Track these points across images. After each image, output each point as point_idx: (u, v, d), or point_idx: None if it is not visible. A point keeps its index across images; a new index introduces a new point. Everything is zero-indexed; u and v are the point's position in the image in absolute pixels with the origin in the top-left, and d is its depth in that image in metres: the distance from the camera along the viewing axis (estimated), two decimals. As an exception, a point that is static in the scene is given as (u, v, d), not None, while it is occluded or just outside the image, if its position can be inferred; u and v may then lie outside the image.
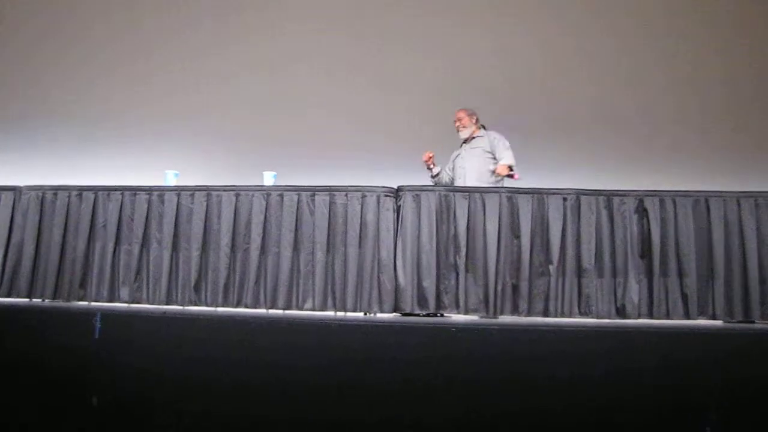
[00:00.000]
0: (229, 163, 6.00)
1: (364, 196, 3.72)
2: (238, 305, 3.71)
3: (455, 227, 3.66)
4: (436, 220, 3.68)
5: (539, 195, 3.68)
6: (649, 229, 3.60)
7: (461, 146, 4.40)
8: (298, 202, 3.76)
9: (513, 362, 2.87)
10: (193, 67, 6.24)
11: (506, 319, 3.54)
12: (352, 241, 3.67)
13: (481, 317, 3.55)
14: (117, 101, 6.27)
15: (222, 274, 3.73)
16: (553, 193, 3.68)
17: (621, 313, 3.55)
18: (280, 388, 2.88)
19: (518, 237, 3.63)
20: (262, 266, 3.73)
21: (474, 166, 4.22)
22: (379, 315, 3.61)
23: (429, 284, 3.60)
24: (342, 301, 3.65)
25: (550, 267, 3.59)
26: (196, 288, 3.75)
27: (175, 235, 3.82)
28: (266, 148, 5.90)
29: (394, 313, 3.63)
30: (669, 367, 2.80)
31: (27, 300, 3.84)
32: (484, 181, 4.13)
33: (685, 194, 3.65)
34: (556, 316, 3.55)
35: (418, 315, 3.57)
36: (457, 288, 3.61)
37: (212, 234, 3.80)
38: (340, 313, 3.64)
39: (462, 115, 4.40)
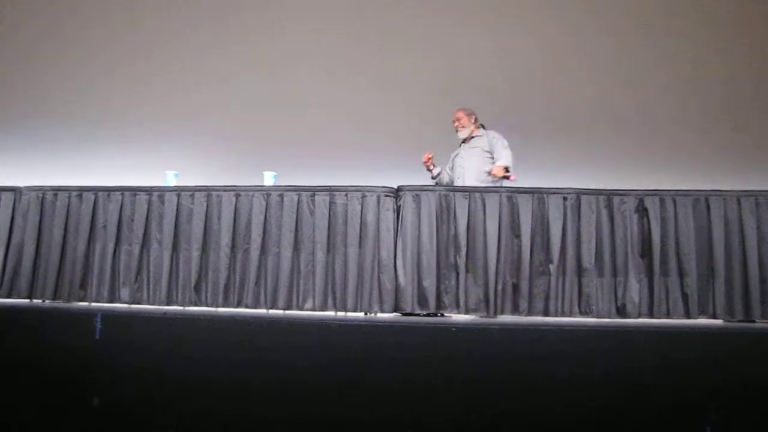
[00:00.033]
0: (229, 163, 6.01)
1: (364, 196, 3.72)
2: (238, 305, 3.71)
3: (455, 227, 3.66)
4: (437, 219, 3.67)
5: (539, 194, 3.68)
6: (649, 229, 3.60)
7: (460, 146, 4.39)
8: (298, 202, 3.76)
9: (513, 362, 2.87)
10: (193, 67, 6.24)
11: (506, 318, 3.54)
12: (352, 241, 3.67)
13: (482, 317, 3.55)
14: (117, 101, 6.27)
15: (222, 275, 3.73)
16: (554, 193, 3.68)
17: (621, 312, 3.56)
18: (281, 388, 2.87)
19: (518, 236, 3.63)
20: (263, 266, 3.73)
21: (473, 165, 4.21)
22: (380, 315, 3.61)
23: (429, 284, 3.60)
24: (342, 301, 3.65)
25: (551, 266, 3.59)
26: (197, 288, 3.75)
27: (176, 236, 3.82)
28: (266, 148, 5.90)
29: (395, 313, 3.63)
30: (669, 367, 2.80)
31: (27, 300, 3.84)
32: (483, 180, 4.13)
33: (686, 193, 3.65)
34: (556, 316, 3.55)
35: (418, 315, 3.57)
36: (458, 288, 3.61)
37: (212, 234, 3.80)
38: (341, 313, 3.64)
39: (461, 115, 4.39)
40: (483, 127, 4.42)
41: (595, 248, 3.61)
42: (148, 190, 3.91)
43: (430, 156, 4.35)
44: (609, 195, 3.67)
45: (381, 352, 2.92)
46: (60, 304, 3.81)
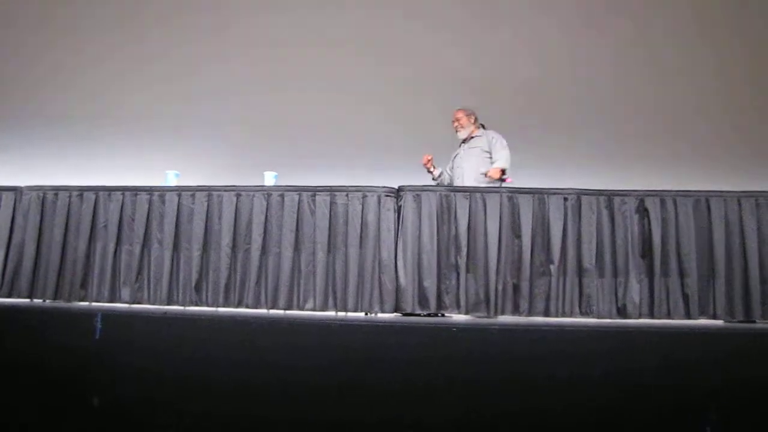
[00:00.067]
0: (230, 163, 6.02)
1: (364, 196, 3.72)
2: (239, 305, 3.72)
3: (456, 227, 3.66)
4: (437, 220, 3.68)
5: (540, 195, 3.68)
6: (650, 229, 3.60)
7: (460, 146, 4.39)
8: (299, 202, 3.76)
9: (513, 362, 2.86)
10: (192, 68, 6.25)
11: (507, 319, 3.54)
12: (353, 241, 3.67)
13: (482, 317, 3.55)
14: (117, 101, 6.28)
15: (223, 275, 3.73)
16: (554, 193, 3.68)
17: (622, 312, 3.56)
18: (281, 388, 2.87)
19: (519, 237, 3.63)
20: (263, 266, 3.73)
21: (472, 165, 4.20)
22: (380, 315, 3.61)
23: (430, 284, 3.60)
24: (343, 301, 3.65)
25: (551, 267, 3.60)
26: (197, 288, 3.75)
27: (176, 236, 3.82)
28: (266, 148, 5.91)
29: (395, 313, 3.63)
30: (669, 367, 2.80)
31: (28, 300, 3.84)
32: (482, 181, 4.12)
33: (686, 194, 3.66)
34: (557, 316, 3.55)
35: (419, 315, 3.57)
36: (458, 288, 3.61)
37: (213, 234, 3.80)
38: (341, 313, 3.65)
39: (460, 115, 4.38)
40: (483, 127, 4.41)
41: (596, 249, 3.61)
42: (149, 190, 3.91)
43: (429, 158, 4.35)
44: (610, 195, 3.67)
45: (381, 352, 2.92)
46: (60, 303, 3.81)
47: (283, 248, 3.72)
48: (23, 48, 6.27)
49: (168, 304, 3.76)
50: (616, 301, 3.58)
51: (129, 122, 6.23)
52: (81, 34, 6.26)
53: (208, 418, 2.89)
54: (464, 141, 4.36)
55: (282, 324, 3.17)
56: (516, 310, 3.58)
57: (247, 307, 3.70)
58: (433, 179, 4.42)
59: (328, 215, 3.72)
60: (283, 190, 3.81)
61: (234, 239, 3.76)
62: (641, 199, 3.66)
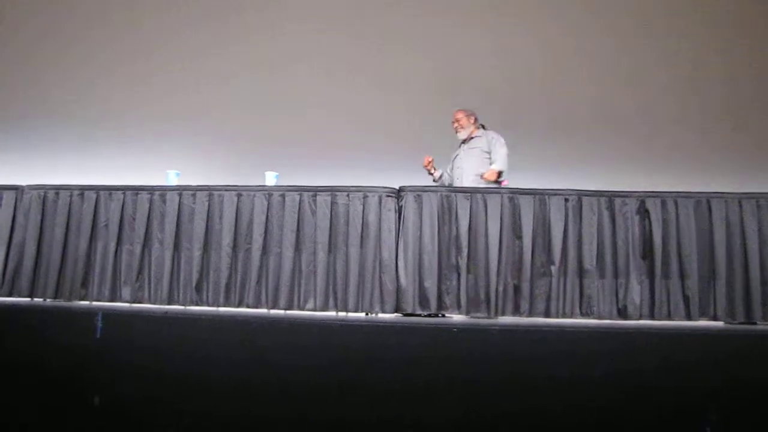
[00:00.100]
0: (230, 163, 6.01)
1: (365, 197, 3.72)
2: (239, 305, 3.72)
3: (457, 228, 3.66)
4: (438, 220, 3.68)
5: (541, 196, 3.68)
6: (650, 230, 3.60)
7: (460, 146, 4.39)
8: (300, 202, 3.76)
9: (514, 363, 2.87)
10: (193, 67, 6.24)
11: (507, 319, 3.54)
12: (353, 241, 3.68)
13: (483, 318, 3.56)
14: (117, 101, 6.27)
15: (224, 274, 3.73)
16: (555, 194, 3.68)
17: (622, 314, 3.56)
18: (282, 388, 2.88)
19: (520, 237, 3.63)
20: (264, 266, 3.73)
21: (471, 166, 4.20)
22: (381, 315, 3.61)
23: (430, 285, 3.60)
24: (343, 301, 3.65)
25: (552, 268, 3.60)
26: (198, 288, 3.75)
27: (177, 235, 3.82)
28: (267, 148, 5.91)
29: (396, 314, 3.63)
30: (670, 368, 2.80)
31: (29, 299, 3.84)
32: (480, 182, 4.12)
33: (687, 195, 3.66)
34: (557, 317, 3.56)
35: (419, 315, 3.57)
36: (459, 288, 3.61)
37: (214, 234, 3.80)
38: (342, 314, 3.65)
39: (460, 115, 4.38)
40: (483, 127, 4.41)
41: (597, 250, 3.61)
42: (150, 190, 3.91)
43: (430, 159, 4.35)
44: (610, 196, 3.67)
45: (382, 353, 2.92)
46: (61, 303, 3.81)
47: (284, 248, 3.72)
48: (24, 49, 6.27)
49: (169, 304, 3.76)
50: (617, 302, 3.58)
51: (130, 122, 6.22)
52: (82, 36, 6.26)
53: (208, 418, 2.89)
54: (464, 141, 4.36)
55: (282, 324, 3.17)
56: (516, 311, 3.58)
57: (248, 307, 3.70)
58: (434, 181, 4.42)
59: (329, 215, 3.72)
60: (284, 190, 3.81)
61: (235, 239, 3.76)
62: (642, 200, 3.66)
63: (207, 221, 3.81)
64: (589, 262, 3.60)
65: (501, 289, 3.58)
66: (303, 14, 6.15)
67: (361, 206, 3.71)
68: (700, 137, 5.94)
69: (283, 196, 3.79)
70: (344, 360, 2.91)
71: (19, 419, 2.99)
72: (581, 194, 3.68)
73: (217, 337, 3.04)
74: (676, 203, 3.63)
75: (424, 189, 3.77)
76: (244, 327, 3.09)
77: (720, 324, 3.54)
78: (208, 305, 3.73)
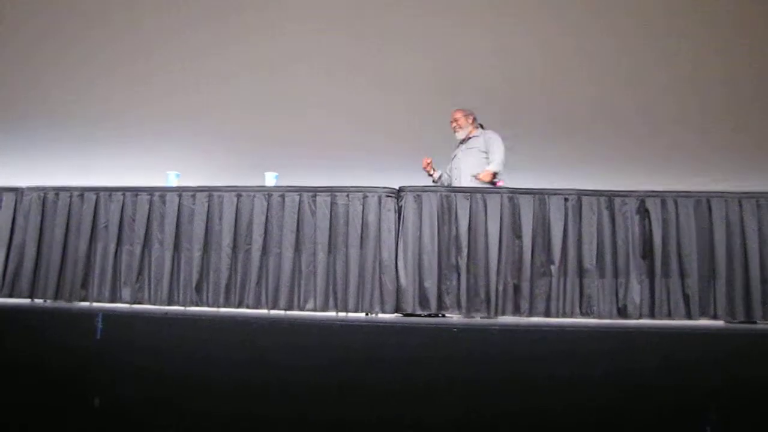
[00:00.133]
0: (230, 163, 6.02)
1: (365, 197, 3.72)
2: (239, 306, 3.72)
3: (457, 228, 3.66)
4: (438, 220, 3.68)
5: (540, 195, 3.68)
6: (650, 230, 3.61)
7: (458, 146, 4.38)
8: (300, 202, 3.76)
9: (514, 362, 2.87)
10: (193, 67, 6.24)
11: (507, 319, 3.54)
12: (353, 241, 3.68)
13: (483, 317, 3.56)
14: (117, 101, 6.27)
15: (223, 275, 3.73)
16: (555, 194, 3.68)
17: (622, 313, 3.56)
18: (282, 388, 2.88)
19: (520, 237, 3.63)
20: (264, 267, 3.73)
21: (469, 166, 4.18)
22: (381, 315, 3.61)
23: (430, 285, 3.60)
24: (343, 301, 3.65)
25: (552, 267, 3.60)
26: (198, 288, 3.75)
27: (177, 236, 3.82)
28: (266, 148, 5.92)
29: (396, 314, 3.63)
30: (670, 368, 2.80)
31: (29, 300, 3.84)
32: (476, 182, 4.11)
33: (687, 195, 3.66)
34: (557, 317, 3.56)
35: (419, 315, 3.57)
36: (459, 288, 3.61)
37: (214, 234, 3.80)
38: (342, 314, 3.65)
39: (459, 115, 4.37)
40: (482, 127, 4.40)
41: (597, 249, 3.62)
42: (150, 191, 3.91)
43: (429, 161, 4.35)
44: (610, 196, 3.68)
45: (382, 353, 2.92)
46: (61, 304, 3.81)
47: (284, 249, 3.72)
48: (24, 49, 6.27)
49: (169, 305, 3.76)
50: (617, 301, 3.58)
51: (130, 122, 6.23)
52: (82, 36, 6.25)
53: (208, 418, 2.89)
54: (462, 141, 4.36)
55: (282, 324, 3.17)
56: (516, 311, 3.58)
57: (248, 307, 3.71)
58: (433, 182, 4.41)
59: (329, 216, 3.72)
60: (283, 191, 3.81)
61: (235, 240, 3.76)
62: (642, 199, 3.66)
63: (207, 222, 3.81)
64: (589, 261, 3.60)
65: (501, 288, 3.59)
66: (303, 14, 6.14)
67: (361, 206, 3.70)
68: (700, 137, 5.95)
69: (282, 196, 3.79)
70: (344, 360, 2.91)
71: (19, 419, 2.99)
72: (581, 194, 3.68)
73: (217, 338, 3.04)
74: (676, 203, 3.63)
75: (424, 189, 3.77)
76: (244, 327, 3.09)
77: (720, 323, 3.54)
78: (208, 306, 3.74)
